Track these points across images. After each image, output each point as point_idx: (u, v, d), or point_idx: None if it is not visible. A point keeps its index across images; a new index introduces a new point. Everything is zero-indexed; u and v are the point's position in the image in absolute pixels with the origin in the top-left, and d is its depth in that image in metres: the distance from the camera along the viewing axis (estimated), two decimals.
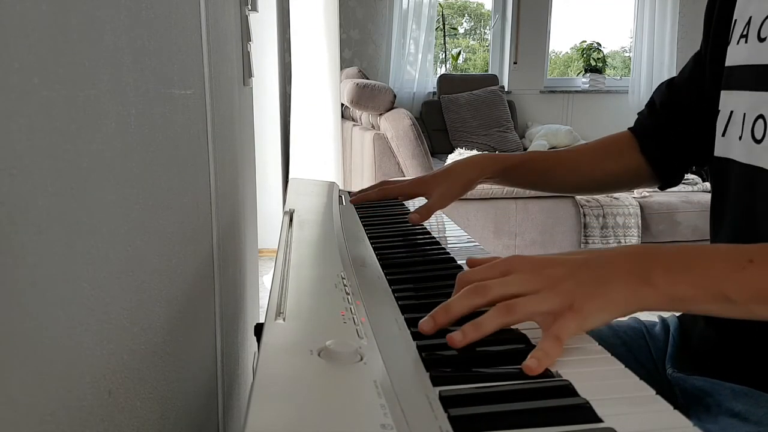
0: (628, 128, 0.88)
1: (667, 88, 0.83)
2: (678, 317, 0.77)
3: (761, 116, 0.60)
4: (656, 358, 0.74)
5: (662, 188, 0.88)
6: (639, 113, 0.88)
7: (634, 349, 0.75)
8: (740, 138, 0.64)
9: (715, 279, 0.47)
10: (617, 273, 0.48)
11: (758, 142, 0.61)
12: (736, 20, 0.66)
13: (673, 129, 0.81)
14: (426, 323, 0.48)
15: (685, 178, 2.77)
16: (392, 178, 0.92)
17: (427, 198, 0.86)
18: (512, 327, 0.50)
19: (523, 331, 0.49)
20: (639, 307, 0.48)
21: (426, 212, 0.82)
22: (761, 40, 0.61)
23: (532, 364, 0.42)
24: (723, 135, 0.67)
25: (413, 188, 0.89)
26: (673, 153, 0.82)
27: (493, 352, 0.46)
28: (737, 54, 0.66)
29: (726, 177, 0.67)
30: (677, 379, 0.68)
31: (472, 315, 0.48)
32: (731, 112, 0.66)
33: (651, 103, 0.85)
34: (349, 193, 1.08)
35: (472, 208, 2.41)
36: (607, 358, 0.46)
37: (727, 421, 0.57)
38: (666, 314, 0.79)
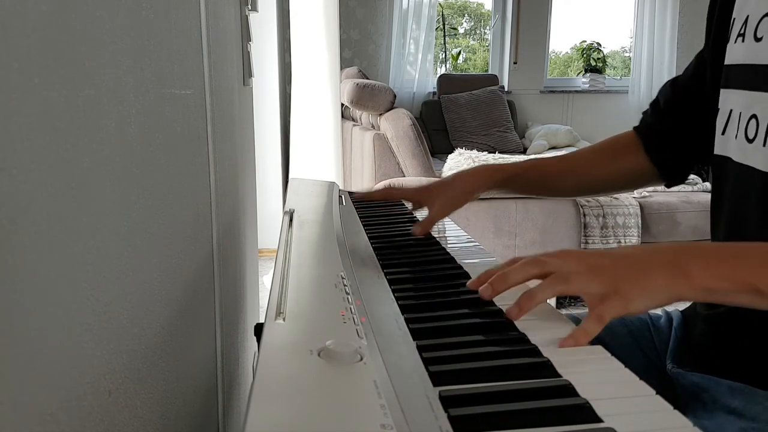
0: (633, 128, 0.88)
1: (671, 87, 0.83)
2: (682, 312, 0.77)
3: (754, 116, 0.61)
4: (659, 350, 0.75)
5: (668, 186, 0.88)
6: (643, 113, 0.88)
7: (639, 340, 0.76)
8: (736, 137, 0.65)
9: (747, 273, 0.50)
10: (657, 264, 0.52)
11: (750, 141, 0.62)
12: (734, 19, 0.67)
13: (676, 127, 0.81)
14: (485, 290, 0.54)
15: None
16: (397, 182, 0.92)
17: (428, 207, 0.87)
18: (512, 328, 0.50)
19: (522, 331, 0.50)
20: (676, 296, 0.51)
21: (428, 224, 0.83)
22: (757, 39, 0.62)
23: (569, 342, 0.47)
24: (723, 133, 0.68)
25: (416, 196, 0.89)
26: (676, 151, 0.83)
27: (493, 352, 0.46)
28: (735, 53, 0.66)
29: (724, 174, 0.68)
30: (676, 374, 0.69)
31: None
32: (730, 110, 0.66)
33: (655, 103, 0.86)
34: (349, 193, 1.08)
35: (472, 208, 2.41)
36: (607, 358, 0.46)
37: (724, 417, 0.58)
38: (670, 308, 0.80)
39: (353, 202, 0.87)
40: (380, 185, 0.93)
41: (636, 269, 0.52)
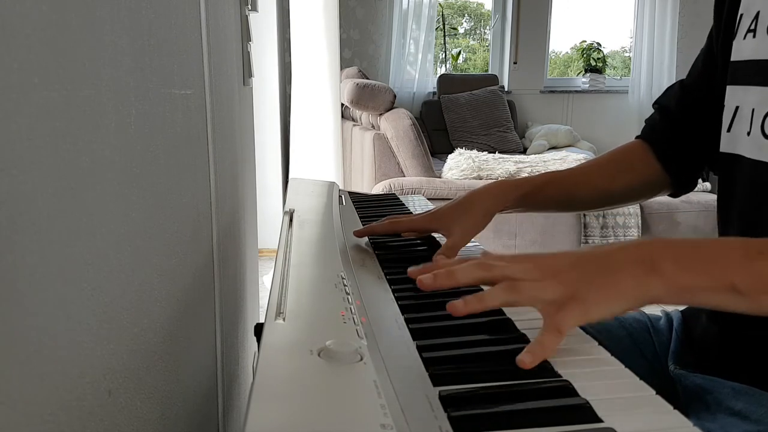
0: (637, 137, 0.85)
1: (681, 90, 0.80)
2: (681, 312, 0.76)
3: None
4: (659, 353, 0.74)
5: (675, 196, 0.84)
6: (647, 120, 0.84)
7: (639, 342, 0.75)
8: (748, 134, 0.63)
9: (724, 269, 0.46)
10: (624, 262, 0.48)
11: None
12: (742, 15, 0.65)
13: (692, 132, 0.78)
14: (426, 278, 0.50)
15: None
16: (401, 217, 0.83)
17: (444, 234, 0.79)
18: (512, 329, 0.50)
19: (522, 331, 0.49)
20: (646, 298, 0.47)
21: (452, 253, 0.75)
22: None
23: (526, 358, 0.43)
24: (729, 130, 0.66)
25: (428, 223, 0.81)
26: (690, 157, 0.80)
27: (493, 352, 0.46)
28: (744, 49, 0.65)
29: (733, 173, 0.66)
30: (679, 375, 0.68)
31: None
32: (737, 107, 0.65)
33: (663, 108, 0.82)
34: (349, 193, 1.08)
35: None
36: (606, 358, 0.46)
37: (727, 420, 0.57)
38: (670, 308, 0.79)
39: (357, 234, 0.81)
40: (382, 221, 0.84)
41: (599, 271, 0.47)
